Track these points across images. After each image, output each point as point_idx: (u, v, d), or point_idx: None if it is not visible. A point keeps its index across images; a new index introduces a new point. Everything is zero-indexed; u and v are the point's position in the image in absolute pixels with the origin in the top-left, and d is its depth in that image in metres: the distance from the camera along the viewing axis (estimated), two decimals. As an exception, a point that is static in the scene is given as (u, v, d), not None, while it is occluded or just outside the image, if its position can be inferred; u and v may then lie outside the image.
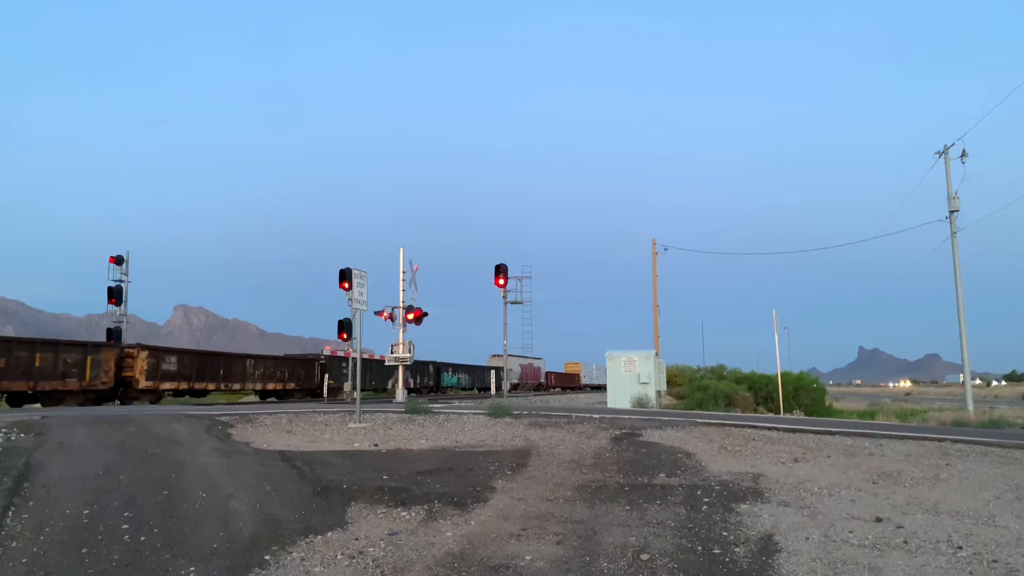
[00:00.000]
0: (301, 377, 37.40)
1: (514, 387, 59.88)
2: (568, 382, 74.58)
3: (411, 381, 44.39)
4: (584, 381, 78.09)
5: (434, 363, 51.60)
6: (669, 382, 33.46)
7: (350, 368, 43.36)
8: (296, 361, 38.24)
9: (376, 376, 43.23)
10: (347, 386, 39.07)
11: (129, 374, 27.16)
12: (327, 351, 41.22)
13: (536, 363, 65.15)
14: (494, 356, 62.43)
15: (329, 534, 6.17)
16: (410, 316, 29.04)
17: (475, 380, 56.81)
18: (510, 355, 58.95)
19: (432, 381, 50.45)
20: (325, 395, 37.08)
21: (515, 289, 23.60)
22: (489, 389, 55.71)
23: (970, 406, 26.35)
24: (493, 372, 58.19)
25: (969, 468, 9.24)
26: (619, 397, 23.74)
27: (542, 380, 66.70)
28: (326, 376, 37.91)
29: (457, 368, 54.45)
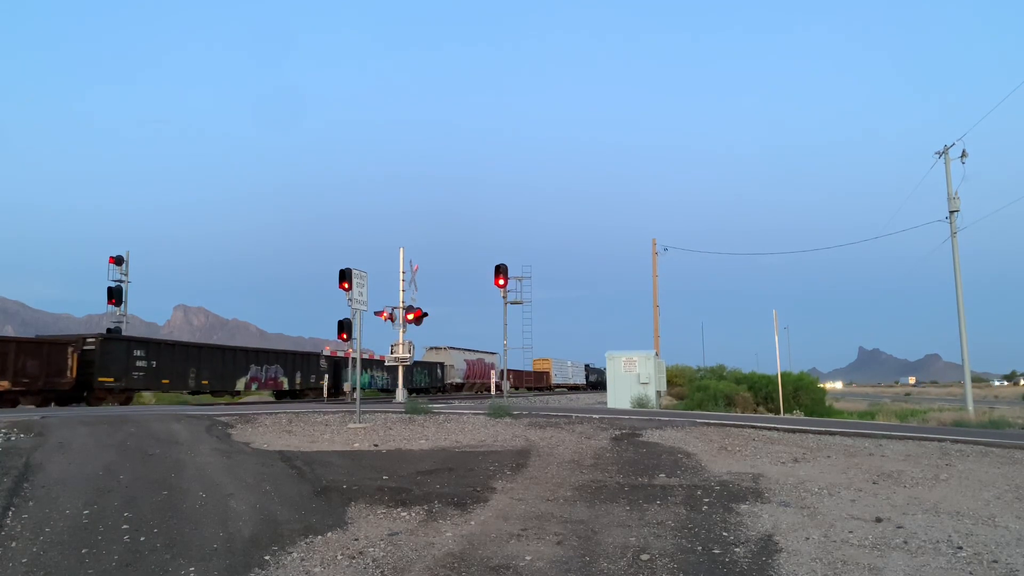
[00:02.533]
0: (29, 371, 22.94)
1: (457, 387, 50.61)
2: (534, 382, 63.26)
3: (283, 382, 34.38)
4: (555, 381, 67.85)
5: (328, 356, 39.41)
6: (669, 382, 33.43)
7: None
8: (20, 345, 23.23)
9: (211, 371, 30.31)
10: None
11: None
12: (327, 351, 40.96)
13: (489, 359, 55.51)
14: (431, 349, 52.38)
15: (329, 534, 6.17)
16: (410, 316, 29.03)
17: (395, 379, 45.55)
18: (451, 348, 52.47)
19: (325, 380, 37.75)
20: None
21: (515, 289, 23.59)
22: (425, 391, 46.02)
23: (970, 406, 26.34)
24: (428, 369, 48.51)
25: (969, 468, 9.24)
26: (619, 397, 23.76)
27: (497, 380, 58.43)
28: (91, 370, 24.82)
29: (369, 363, 42.72)
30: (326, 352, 40.56)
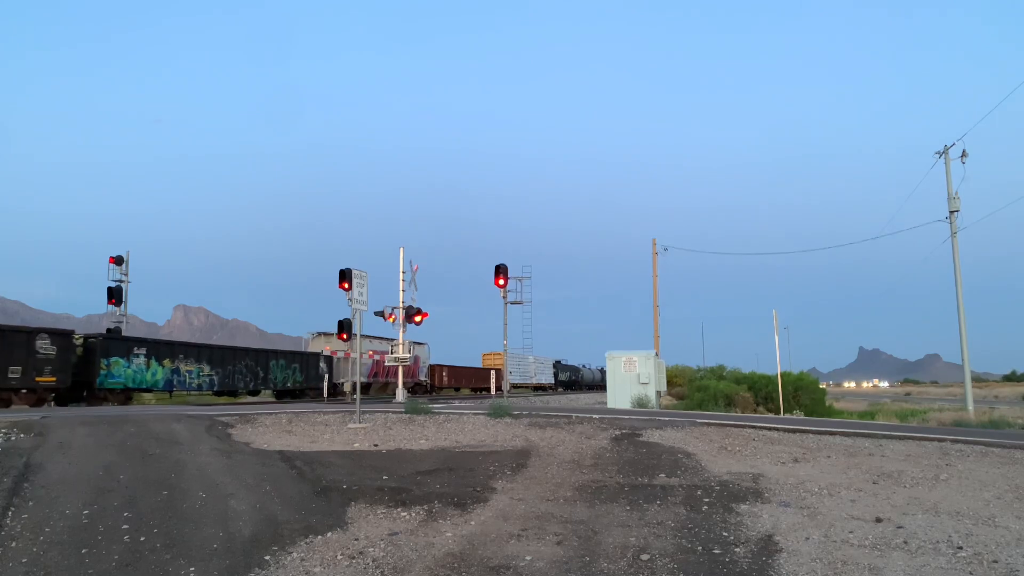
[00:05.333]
0: None
1: (364, 388, 36.74)
2: (481, 381, 49.91)
3: None
4: (511, 380, 47.78)
5: (56, 333, 22.88)
6: (669, 382, 33.43)
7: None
8: None
9: None
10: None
11: None
12: (327, 351, 40.57)
13: (413, 351, 42.09)
14: (318, 335, 39.24)
15: (329, 534, 6.17)
16: (417, 318, 29.06)
17: (228, 376, 30.72)
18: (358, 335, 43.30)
19: (95, 374, 24.07)
20: None
21: (515, 289, 23.55)
22: (293, 394, 34.45)
23: (970, 406, 26.32)
24: (300, 363, 35.48)
25: (969, 468, 9.23)
26: (619, 397, 23.77)
27: (422, 378, 44.17)
28: None
29: (182, 349, 29.00)
30: (326, 352, 40.10)
